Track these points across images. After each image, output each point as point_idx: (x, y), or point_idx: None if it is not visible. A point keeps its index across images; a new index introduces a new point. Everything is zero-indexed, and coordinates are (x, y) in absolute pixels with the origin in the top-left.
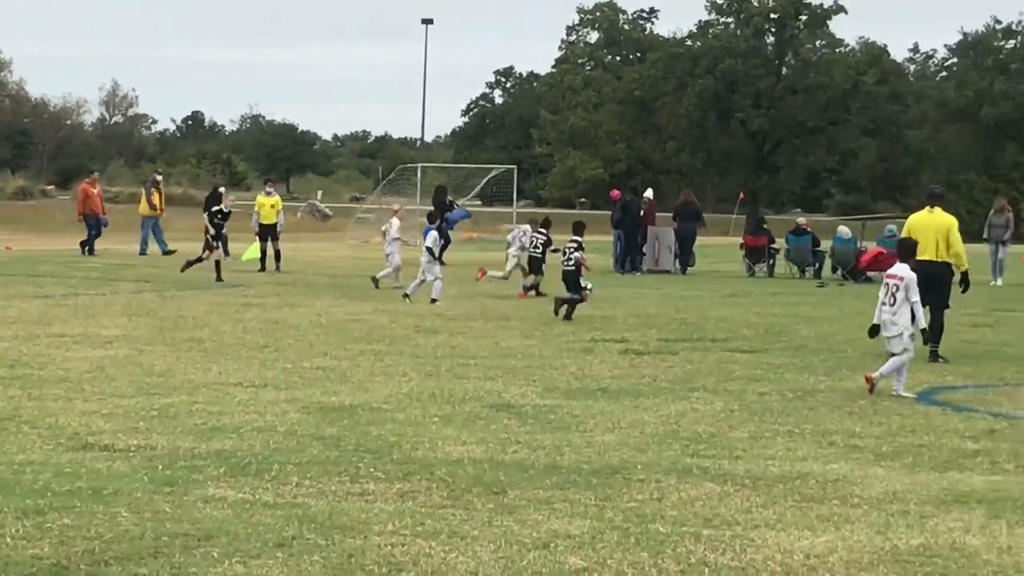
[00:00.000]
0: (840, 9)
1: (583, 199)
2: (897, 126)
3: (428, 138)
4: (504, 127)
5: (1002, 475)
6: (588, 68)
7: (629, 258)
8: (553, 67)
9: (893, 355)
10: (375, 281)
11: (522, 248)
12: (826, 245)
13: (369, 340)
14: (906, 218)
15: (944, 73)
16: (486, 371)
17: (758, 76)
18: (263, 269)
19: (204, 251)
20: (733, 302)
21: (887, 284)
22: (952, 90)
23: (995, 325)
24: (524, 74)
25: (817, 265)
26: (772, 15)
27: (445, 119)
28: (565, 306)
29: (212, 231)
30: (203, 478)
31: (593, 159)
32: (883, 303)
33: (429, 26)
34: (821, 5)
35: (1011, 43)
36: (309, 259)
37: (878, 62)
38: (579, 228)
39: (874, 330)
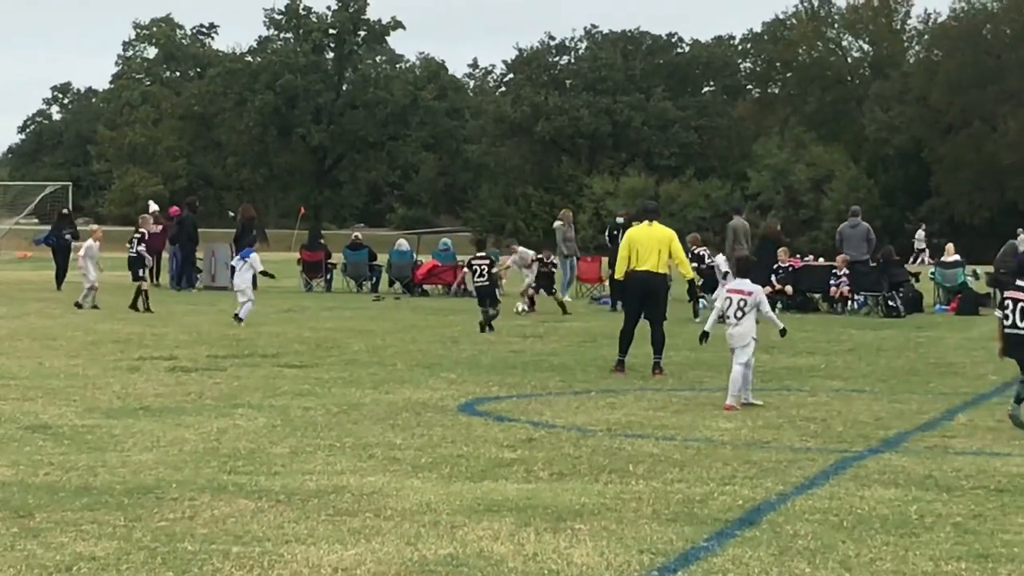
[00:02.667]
0: (398, 25)
1: (145, 216)
2: (456, 141)
3: None
4: (62, 144)
5: (535, 483)
6: (147, 83)
7: (185, 274)
8: (111, 83)
9: (737, 365)
10: (78, 305)
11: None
12: (384, 259)
13: None
14: (468, 231)
15: (502, 89)
16: (25, 392)
17: (318, 91)
18: None
19: None
20: (288, 317)
21: (731, 299)
22: (509, 105)
23: (544, 336)
24: (82, 90)
25: (374, 279)
26: (331, 31)
27: (1, 136)
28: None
29: None
30: None
31: (153, 175)
32: (728, 317)
33: None
34: (379, 21)
35: (564, 59)
36: None
37: (436, 77)
38: (482, 244)
39: (704, 337)
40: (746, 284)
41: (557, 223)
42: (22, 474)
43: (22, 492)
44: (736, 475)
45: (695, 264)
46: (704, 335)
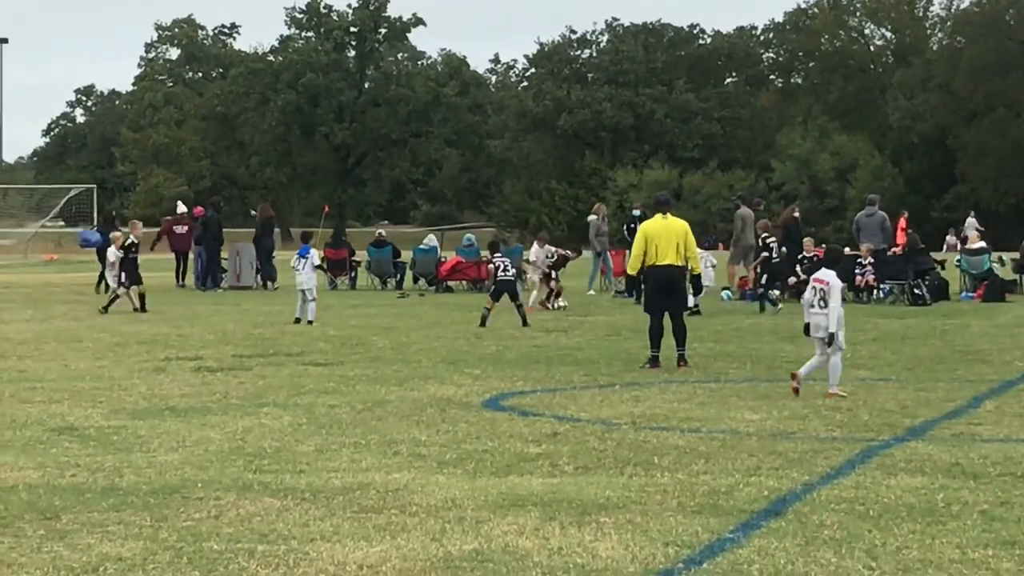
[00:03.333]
0: (419, 22)
1: (168, 217)
2: (479, 136)
3: (9, 159)
4: (87, 146)
5: (560, 477)
6: (169, 85)
7: (210, 274)
8: (134, 84)
9: (822, 356)
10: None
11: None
12: (409, 256)
13: None
14: (493, 226)
15: (524, 83)
16: (52, 394)
17: (340, 90)
18: None
19: None
20: None
21: (815, 287)
22: (531, 100)
23: (568, 330)
24: (105, 92)
25: (399, 276)
26: (352, 29)
27: (26, 140)
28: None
29: None
30: None
31: (177, 176)
32: (812, 305)
33: (4, 45)
34: (400, 18)
35: (586, 52)
36: None
37: (458, 73)
38: (495, 246)
39: (808, 328)
40: (826, 274)
41: (591, 217)
42: (48, 476)
43: (48, 494)
44: (762, 466)
45: (765, 253)
46: (807, 327)
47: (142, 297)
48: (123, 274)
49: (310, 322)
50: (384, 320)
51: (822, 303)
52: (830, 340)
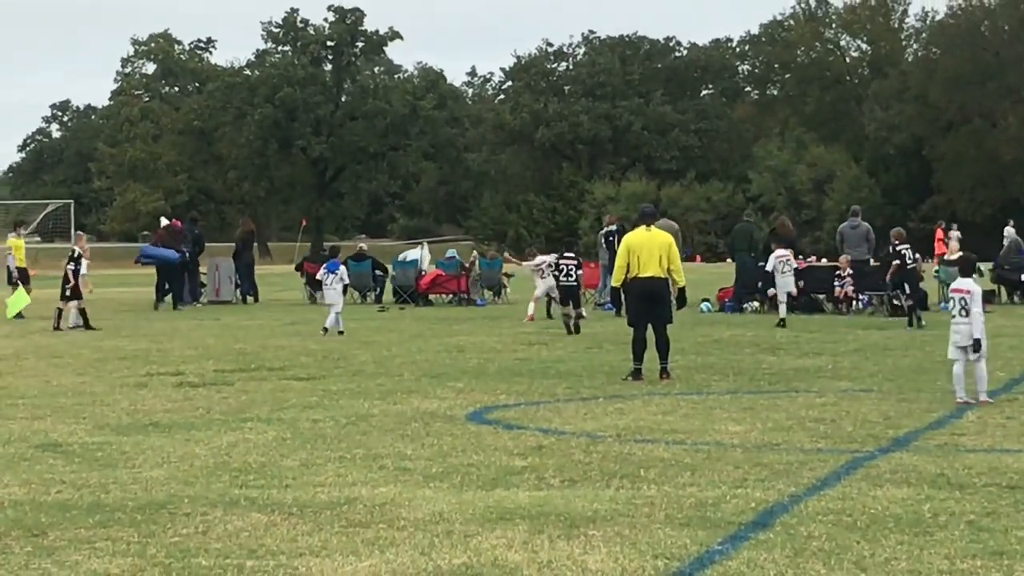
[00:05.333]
0: (396, 35)
1: (146, 232)
2: (456, 149)
3: None
4: (63, 162)
5: (547, 490)
6: (146, 99)
7: (189, 289)
8: (110, 99)
9: (963, 364)
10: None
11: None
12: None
13: None
14: (470, 239)
15: (501, 96)
16: (34, 410)
17: (317, 103)
18: None
19: None
20: (294, 330)
21: (953, 298)
22: (508, 113)
23: (549, 343)
24: (81, 107)
25: (378, 290)
26: (329, 43)
27: (2, 156)
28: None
29: None
30: None
31: (154, 191)
32: (954, 316)
33: None
34: (377, 32)
35: (563, 65)
36: None
37: (435, 87)
38: (571, 246)
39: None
40: (966, 283)
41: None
42: (34, 492)
43: (35, 511)
44: (748, 478)
45: (897, 261)
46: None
47: (83, 312)
48: (66, 288)
49: (340, 332)
50: (365, 334)
51: (963, 312)
52: (976, 347)
